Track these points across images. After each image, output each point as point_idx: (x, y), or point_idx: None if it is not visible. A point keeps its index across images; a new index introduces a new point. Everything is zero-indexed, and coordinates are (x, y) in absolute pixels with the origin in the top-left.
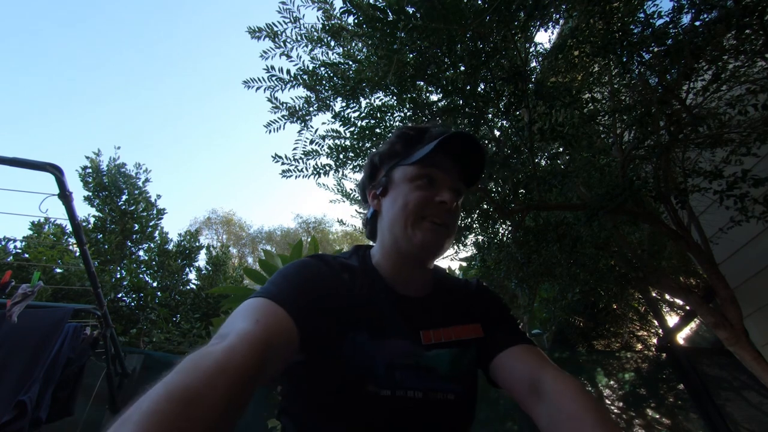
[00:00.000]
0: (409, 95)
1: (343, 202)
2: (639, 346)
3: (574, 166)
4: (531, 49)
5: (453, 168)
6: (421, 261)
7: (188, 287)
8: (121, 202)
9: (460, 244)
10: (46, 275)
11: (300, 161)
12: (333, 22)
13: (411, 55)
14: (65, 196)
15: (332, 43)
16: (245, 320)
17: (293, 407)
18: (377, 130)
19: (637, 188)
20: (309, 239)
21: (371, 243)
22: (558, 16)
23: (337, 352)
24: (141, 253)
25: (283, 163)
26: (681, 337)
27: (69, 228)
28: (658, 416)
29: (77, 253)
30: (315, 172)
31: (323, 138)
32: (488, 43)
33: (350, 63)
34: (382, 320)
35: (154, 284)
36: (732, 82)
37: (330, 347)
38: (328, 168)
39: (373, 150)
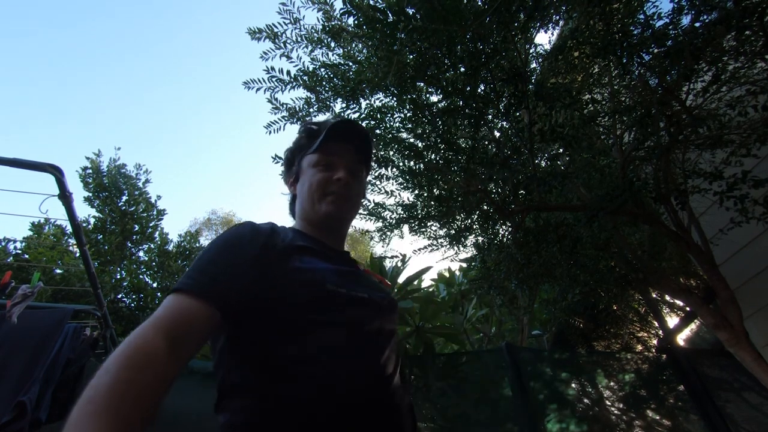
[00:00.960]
0: (409, 96)
1: None
2: (639, 347)
3: (574, 167)
4: (531, 50)
5: (348, 151)
6: (329, 228)
7: None
8: (122, 203)
9: (460, 245)
10: (46, 276)
11: None
12: (333, 23)
13: (411, 56)
14: (65, 196)
15: (332, 44)
16: (148, 324)
17: (249, 370)
18: (377, 131)
19: (637, 189)
20: None
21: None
22: (558, 17)
23: (288, 273)
24: (141, 253)
25: (282, 164)
26: (681, 338)
27: (69, 229)
28: (658, 417)
29: (77, 254)
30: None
31: None
32: (488, 45)
33: (350, 64)
34: (321, 252)
35: (154, 285)
36: (732, 84)
37: (279, 275)
38: None
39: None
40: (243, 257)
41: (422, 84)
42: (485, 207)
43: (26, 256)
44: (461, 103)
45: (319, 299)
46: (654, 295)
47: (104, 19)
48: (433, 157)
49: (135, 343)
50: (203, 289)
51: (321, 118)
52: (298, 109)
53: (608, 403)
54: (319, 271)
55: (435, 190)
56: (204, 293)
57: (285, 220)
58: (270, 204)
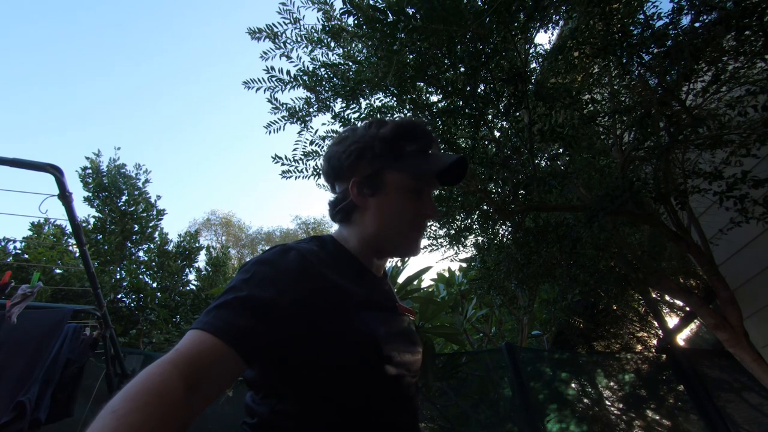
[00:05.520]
0: (409, 96)
1: None
2: (639, 347)
3: (574, 168)
4: (531, 51)
5: (434, 179)
6: (385, 259)
7: (188, 288)
8: (121, 203)
9: (459, 245)
10: (46, 276)
11: (300, 162)
12: (333, 23)
13: (411, 56)
14: (65, 196)
15: (332, 44)
16: (166, 361)
17: (297, 416)
18: None
19: (637, 189)
20: None
21: (333, 227)
22: (558, 17)
23: (349, 328)
24: (141, 253)
25: (282, 164)
26: (681, 339)
27: (69, 229)
28: (658, 417)
29: (77, 254)
30: (315, 173)
31: (323, 139)
32: (488, 45)
33: (350, 64)
34: (374, 296)
35: (154, 285)
36: (732, 84)
37: (338, 326)
38: None
39: (356, 134)
40: (285, 301)
41: (422, 84)
42: (485, 207)
43: (26, 256)
44: (461, 103)
45: (377, 361)
46: (654, 295)
47: (104, 21)
48: None
49: (150, 381)
50: (232, 337)
51: (396, 119)
52: (298, 109)
53: (608, 403)
54: (375, 331)
55: (435, 190)
56: (232, 340)
57: (285, 220)
58: (269, 205)
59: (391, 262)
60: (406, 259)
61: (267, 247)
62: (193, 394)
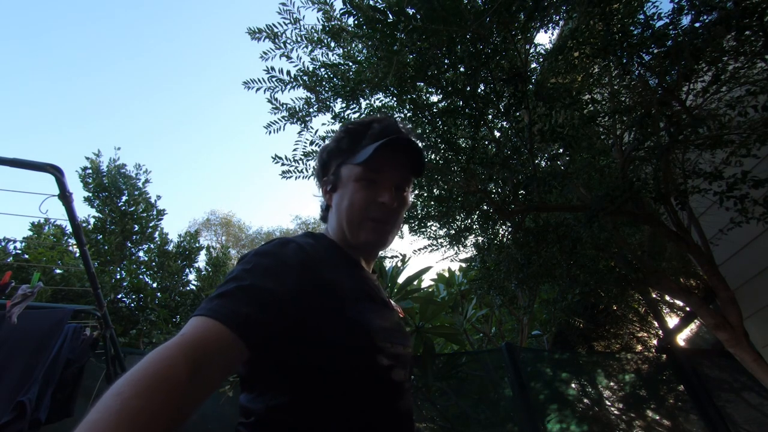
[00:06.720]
0: (409, 96)
1: None
2: (639, 347)
3: (574, 168)
4: (531, 51)
5: (396, 163)
6: (367, 253)
7: (188, 288)
8: (121, 203)
9: (460, 245)
10: (46, 276)
11: (300, 162)
12: (333, 23)
13: (411, 57)
14: (65, 196)
15: (332, 44)
16: (172, 345)
17: (294, 410)
18: None
19: (637, 189)
20: None
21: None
22: (558, 17)
23: (344, 319)
24: (141, 253)
25: (282, 164)
26: (681, 339)
27: (69, 229)
28: (658, 417)
29: (77, 254)
30: (315, 173)
31: (323, 139)
32: (488, 45)
33: (350, 64)
34: (367, 289)
35: (154, 285)
36: (732, 84)
37: (334, 317)
38: None
39: (325, 143)
40: (285, 292)
41: (422, 84)
42: (485, 207)
43: (26, 256)
44: (461, 103)
45: (371, 352)
46: (654, 295)
47: (103, 20)
48: (433, 157)
49: (155, 366)
50: (238, 324)
51: (361, 117)
52: (298, 109)
53: (608, 403)
54: (370, 323)
55: (435, 190)
56: (238, 327)
57: (285, 220)
58: (269, 205)
59: (391, 262)
60: (407, 258)
61: None
62: (196, 380)
